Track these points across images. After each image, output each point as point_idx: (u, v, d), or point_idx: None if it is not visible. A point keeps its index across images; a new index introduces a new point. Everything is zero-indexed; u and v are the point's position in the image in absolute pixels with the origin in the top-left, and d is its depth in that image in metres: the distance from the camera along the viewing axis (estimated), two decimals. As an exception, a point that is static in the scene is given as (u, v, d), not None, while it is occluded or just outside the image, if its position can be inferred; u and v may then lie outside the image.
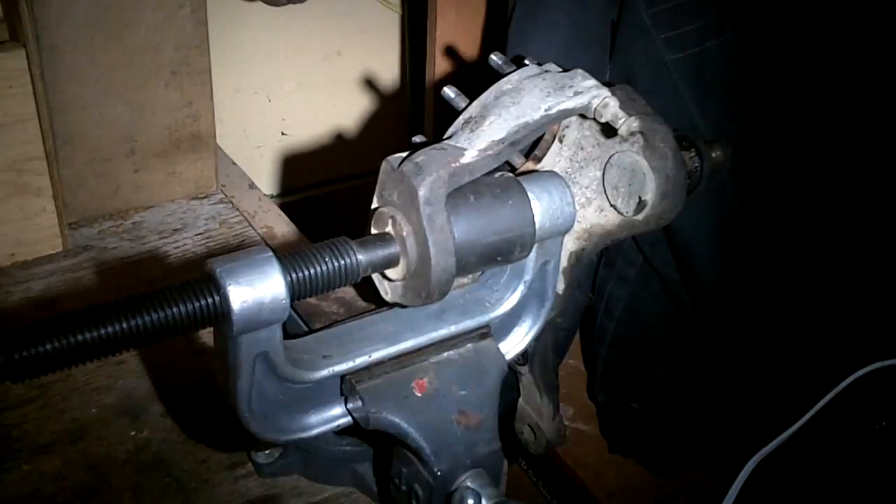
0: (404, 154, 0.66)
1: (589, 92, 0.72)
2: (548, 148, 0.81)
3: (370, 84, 1.97)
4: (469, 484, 0.67)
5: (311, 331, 0.72)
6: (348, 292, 0.79)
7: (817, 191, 1.34)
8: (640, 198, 0.74)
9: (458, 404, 0.69)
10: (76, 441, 0.87)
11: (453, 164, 0.65)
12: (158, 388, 0.94)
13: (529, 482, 1.53)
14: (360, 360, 0.68)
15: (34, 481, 0.83)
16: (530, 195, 0.67)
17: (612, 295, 1.42)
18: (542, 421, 0.86)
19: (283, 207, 1.86)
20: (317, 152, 1.98)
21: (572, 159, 0.79)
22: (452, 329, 0.72)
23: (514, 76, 0.74)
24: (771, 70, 1.26)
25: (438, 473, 0.66)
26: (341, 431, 0.72)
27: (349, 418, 0.69)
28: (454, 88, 0.76)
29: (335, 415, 0.70)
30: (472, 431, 0.68)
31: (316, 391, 0.68)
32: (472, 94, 0.74)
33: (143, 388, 0.94)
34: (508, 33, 1.26)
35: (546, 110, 0.70)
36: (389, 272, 0.67)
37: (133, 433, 0.89)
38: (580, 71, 0.74)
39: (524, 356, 0.83)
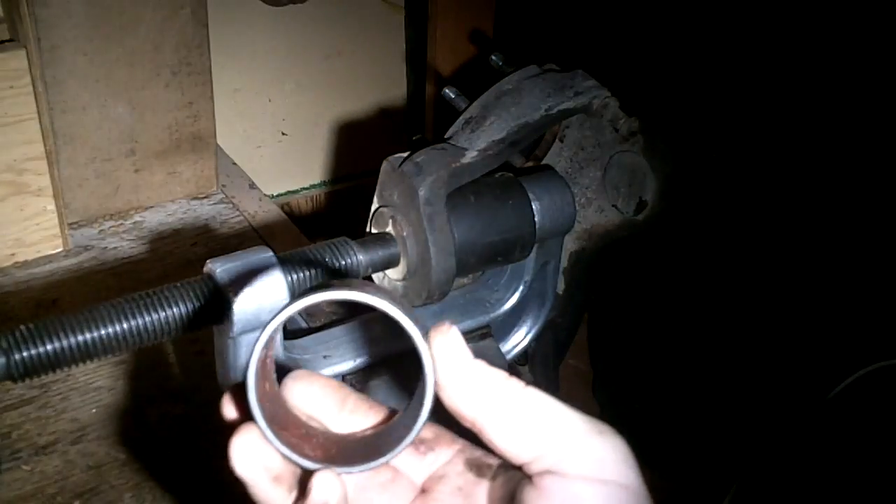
0: (405, 154, 0.66)
1: (589, 92, 0.72)
2: (548, 148, 0.81)
3: (370, 84, 1.97)
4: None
5: (311, 331, 0.72)
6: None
7: (817, 190, 1.34)
8: (640, 198, 0.74)
9: (459, 404, 0.69)
10: (76, 441, 0.87)
11: (454, 164, 0.65)
12: (158, 388, 0.94)
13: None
14: (360, 360, 0.68)
15: (34, 481, 0.83)
16: (531, 195, 0.67)
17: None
18: (542, 421, 0.86)
19: (283, 207, 1.86)
20: (317, 152, 1.98)
21: (573, 159, 0.79)
22: (453, 329, 0.72)
23: (515, 76, 0.74)
24: (770, 70, 1.26)
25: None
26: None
27: (349, 418, 0.69)
28: (454, 88, 0.76)
29: (335, 415, 0.69)
30: (473, 431, 0.68)
31: (316, 391, 0.68)
32: (472, 94, 0.74)
33: (143, 388, 0.94)
34: None
35: (546, 110, 0.70)
36: (390, 272, 0.67)
37: (133, 433, 0.89)
38: (580, 71, 0.74)
39: (525, 356, 0.83)
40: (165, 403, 0.92)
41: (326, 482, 0.40)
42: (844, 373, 1.16)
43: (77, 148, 1.16)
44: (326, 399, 0.45)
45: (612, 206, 0.77)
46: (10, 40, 1.04)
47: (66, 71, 1.11)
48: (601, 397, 1.52)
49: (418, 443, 0.46)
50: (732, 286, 1.36)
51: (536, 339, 0.78)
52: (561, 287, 0.80)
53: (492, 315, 0.73)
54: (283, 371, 0.46)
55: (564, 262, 0.79)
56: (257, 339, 0.39)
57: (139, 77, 1.16)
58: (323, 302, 0.39)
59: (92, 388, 0.94)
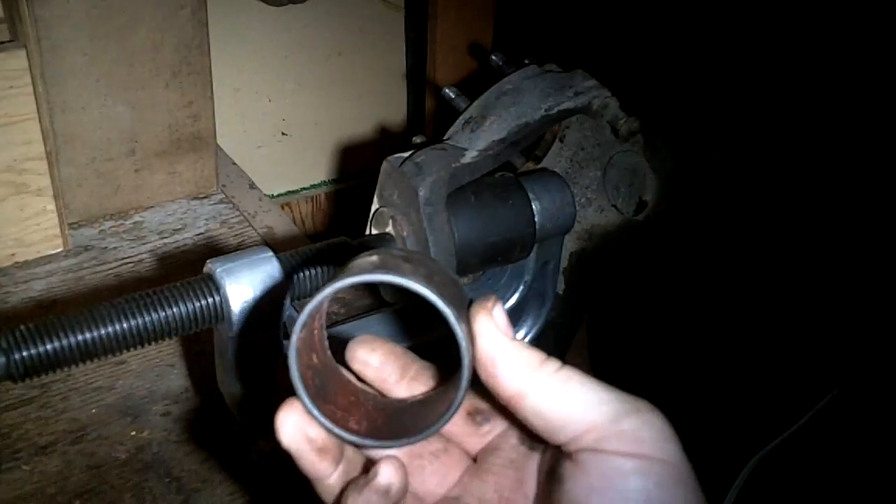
0: (405, 154, 0.66)
1: (589, 92, 0.72)
2: (548, 148, 0.81)
3: (370, 84, 1.97)
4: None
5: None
6: (348, 292, 0.80)
7: (816, 191, 1.34)
8: (640, 198, 0.74)
9: (459, 404, 0.69)
10: (76, 441, 0.87)
11: (454, 165, 0.65)
12: (158, 388, 0.94)
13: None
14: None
15: (34, 481, 0.83)
16: (530, 195, 0.67)
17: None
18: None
19: (284, 207, 1.86)
20: (317, 152, 1.98)
21: (573, 159, 0.80)
22: (452, 329, 0.72)
23: (515, 76, 0.74)
24: (769, 70, 1.26)
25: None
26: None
27: (349, 418, 0.69)
28: (454, 88, 0.77)
29: (335, 415, 0.69)
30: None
31: (316, 391, 0.68)
32: (472, 94, 0.74)
33: (143, 388, 0.94)
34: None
35: (546, 110, 0.70)
36: (390, 272, 0.67)
37: (133, 433, 0.89)
38: (580, 71, 0.74)
39: (524, 356, 0.83)
40: (165, 403, 0.92)
41: (391, 469, 0.41)
42: (844, 373, 1.16)
43: (77, 148, 1.16)
44: (388, 366, 0.46)
45: (612, 206, 0.77)
46: (10, 40, 1.04)
47: (66, 71, 1.11)
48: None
49: (475, 412, 0.46)
50: (733, 286, 1.36)
51: (536, 339, 0.78)
52: (561, 287, 0.80)
53: (492, 315, 0.73)
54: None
55: (564, 262, 0.79)
56: (298, 318, 0.39)
57: (139, 77, 1.16)
58: (361, 284, 0.40)
59: (92, 388, 0.94)
